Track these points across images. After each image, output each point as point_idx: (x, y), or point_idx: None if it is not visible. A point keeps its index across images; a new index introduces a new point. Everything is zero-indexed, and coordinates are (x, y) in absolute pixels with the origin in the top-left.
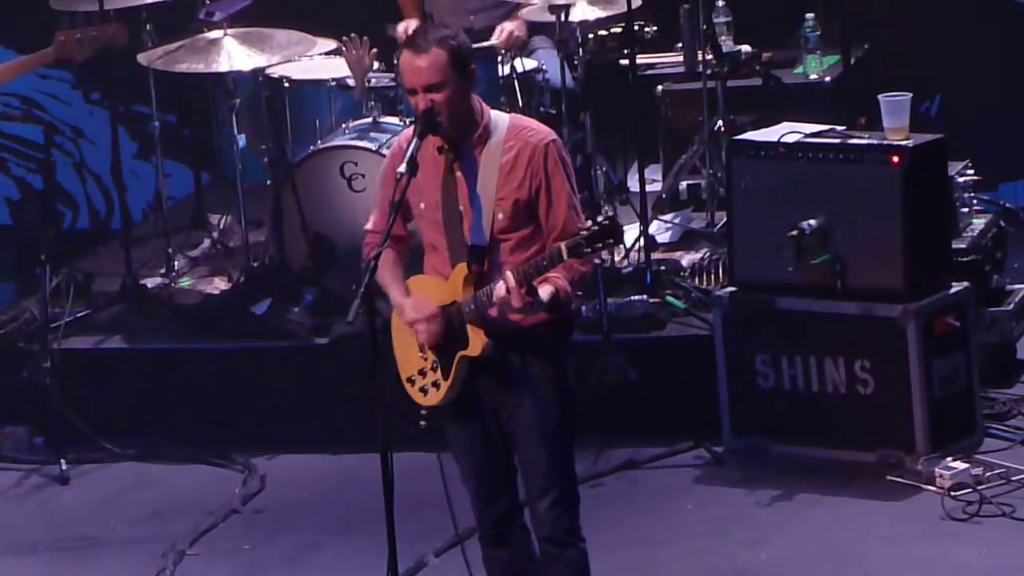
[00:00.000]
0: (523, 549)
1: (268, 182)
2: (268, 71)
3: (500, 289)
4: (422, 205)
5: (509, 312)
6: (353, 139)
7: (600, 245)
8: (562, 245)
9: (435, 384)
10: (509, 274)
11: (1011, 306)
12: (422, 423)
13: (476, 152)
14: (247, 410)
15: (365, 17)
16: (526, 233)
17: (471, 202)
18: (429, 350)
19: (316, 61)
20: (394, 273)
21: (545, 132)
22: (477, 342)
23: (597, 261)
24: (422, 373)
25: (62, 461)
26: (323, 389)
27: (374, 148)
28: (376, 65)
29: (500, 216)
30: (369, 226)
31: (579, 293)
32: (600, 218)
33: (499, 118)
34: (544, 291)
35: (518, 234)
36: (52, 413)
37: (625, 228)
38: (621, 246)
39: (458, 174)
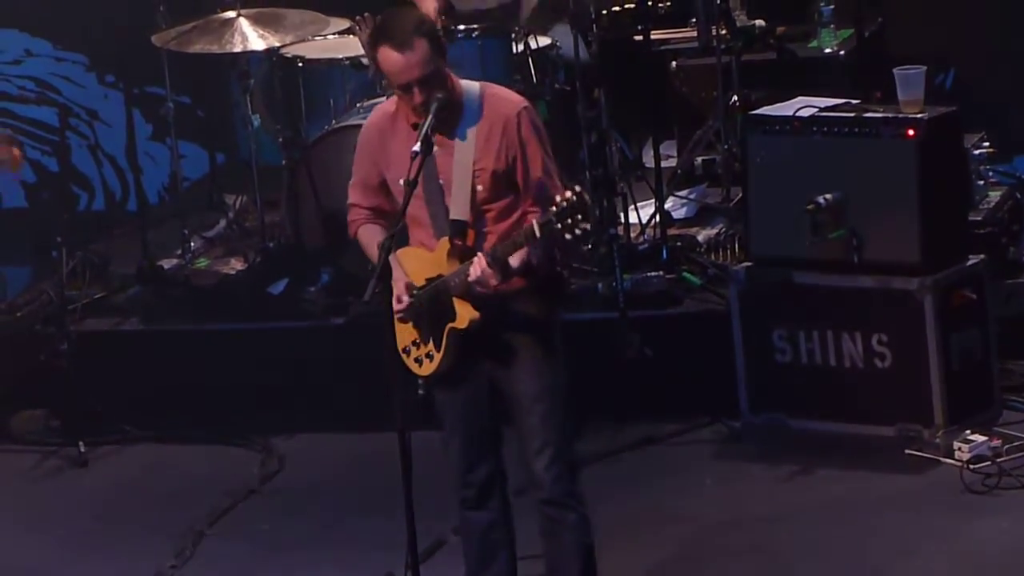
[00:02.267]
0: (501, 517)
1: (283, 162)
2: (282, 51)
3: (475, 270)
4: (401, 181)
5: (483, 289)
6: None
7: (570, 221)
8: (535, 223)
9: (428, 355)
10: (481, 256)
11: None
12: (420, 391)
13: (451, 125)
14: (264, 390)
15: None
16: (507, 202)
17: (450, 175)
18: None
19: (329, 40)
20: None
21: (516, 100)
22: (464, 315)
23: (568, 236)
24: (415, 344)
25: (80, 443)
26: (340, 368)
27: None
28: None
29: (480, 188)
30: (351, 200)
31: (564, 261)
32: (568, 193)
33: (470, 88)
34: (514, 259)
35: (499, 204)
36: (70, 395)
37: (640, 205)
38: (588, 225)
39: (435, 148)
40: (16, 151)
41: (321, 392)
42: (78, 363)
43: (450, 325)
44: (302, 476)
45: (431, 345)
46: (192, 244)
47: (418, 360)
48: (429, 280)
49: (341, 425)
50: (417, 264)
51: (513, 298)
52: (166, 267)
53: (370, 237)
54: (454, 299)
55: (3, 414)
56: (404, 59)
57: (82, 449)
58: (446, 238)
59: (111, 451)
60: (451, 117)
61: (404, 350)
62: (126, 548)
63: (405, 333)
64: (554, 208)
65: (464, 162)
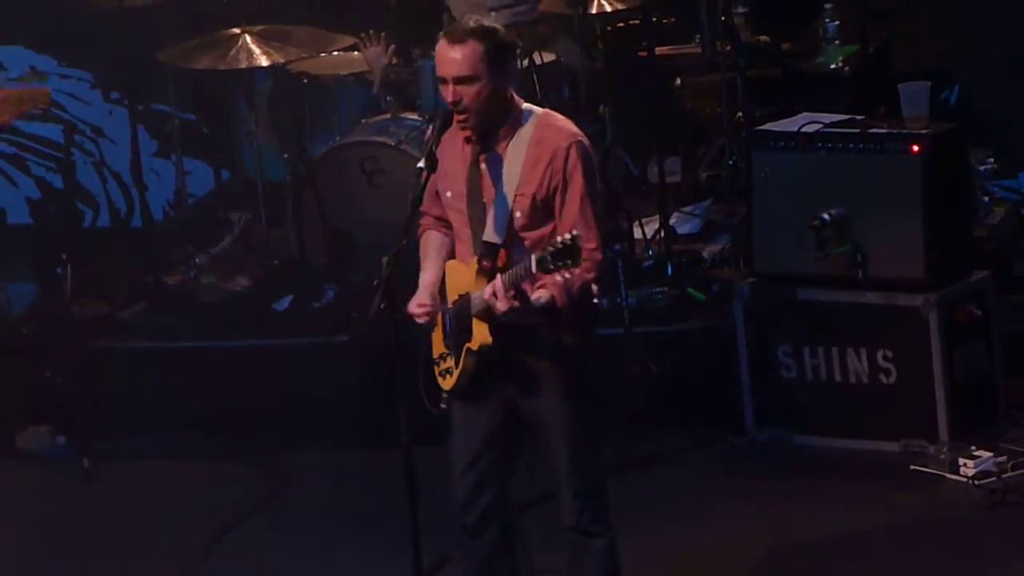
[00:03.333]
0: (501, 547)
1: (288, 178)
2: (287, 67)
3: (487, 291)
4: (448, 194)
5: (496, 313)
6: (372, 134)
7: (561, 264)
8: (532, 258)
9: (449, 371)
10: (499, 278)
11: None
12: (442, 405)
13: (503, 145)
14: (269, 407)
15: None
16: (546, 232)
17: (494, 196)
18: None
19: (334, 57)
20: (434, 253)
21: (570, 132)
22: (479, 337)
23: (560, 278)
24: (443, 357)
25: (85, 459)
26: (345, 385)
27: (393, 143)
28: (394, 61)
29: (518, 214)
30: (422, 206)
31: (592, 293)
32: (567, 236)
33: (530, 112)
34: (539, 296)
35: (536, 232)
36: (75, 412)
37: (645, 221)
38: (578, 271)
39: (483, 166)
40: None
41: (326, 409)
42: (83, 379)
43: (466, 345)
44: (306, 493)
45: (452, 361)
46: (197, 261)
47: (442, 373)
48: (461, 296)
49: (346, 442)
50: (456, 278)
51: (540, 330)
52: (171, 284)
53: (425, 243)
54: (473, 319)
55: (8, 430)
56: (448, 51)
57: (86, 465)
58: (476, 258)
59: (115, 467)
60: (504, 136)
61: (435, 361)
62: (130, 564)
63: (439, 343)
64: (551, 247)
65: (509, 184)
